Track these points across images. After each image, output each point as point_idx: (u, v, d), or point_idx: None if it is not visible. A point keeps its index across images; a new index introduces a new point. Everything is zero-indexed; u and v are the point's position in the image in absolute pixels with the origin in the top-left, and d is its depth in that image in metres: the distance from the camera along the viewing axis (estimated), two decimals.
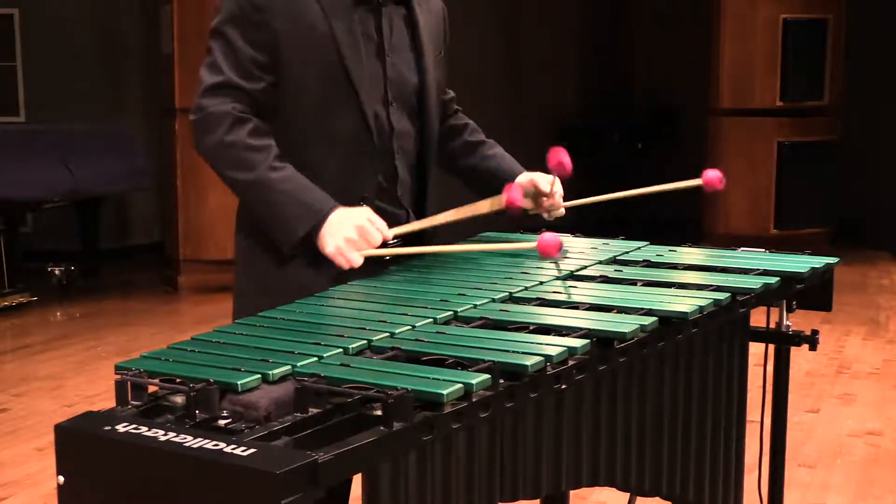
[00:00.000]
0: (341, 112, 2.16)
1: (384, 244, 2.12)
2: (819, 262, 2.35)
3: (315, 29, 2.13)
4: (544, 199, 2.39)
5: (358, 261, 2.07)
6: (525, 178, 2.42)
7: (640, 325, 1.81)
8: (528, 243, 2.25)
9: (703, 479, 2.17)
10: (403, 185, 2.27)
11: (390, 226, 2.16)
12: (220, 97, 2.12)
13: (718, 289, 2.07)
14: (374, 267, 2.15)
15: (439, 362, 1.62)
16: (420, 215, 2.30)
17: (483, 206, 2.30)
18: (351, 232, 2.06)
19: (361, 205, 2.16)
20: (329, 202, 2.10)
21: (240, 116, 2.11)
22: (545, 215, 2.44)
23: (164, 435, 1.36)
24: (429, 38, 2.29)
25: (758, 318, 2.31)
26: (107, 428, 1.40)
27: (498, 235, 2.56)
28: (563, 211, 2.44)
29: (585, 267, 2.24)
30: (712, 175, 2.54)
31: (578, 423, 1.79)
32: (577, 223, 2.65)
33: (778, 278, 2.19)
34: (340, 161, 2.17)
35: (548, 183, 2.38)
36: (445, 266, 2.23)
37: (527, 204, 2.39)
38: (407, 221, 2.26)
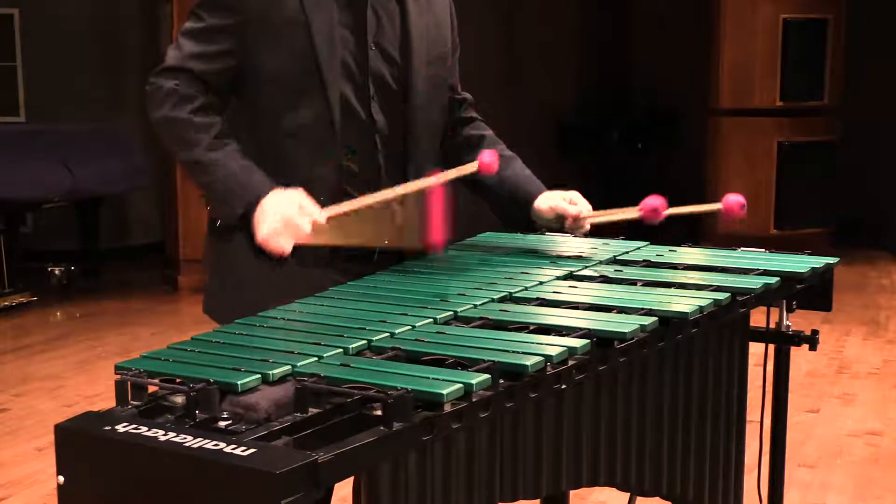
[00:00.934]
0: (307, 101, 2.15)
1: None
2: (819, 262, 2.35)
3: (290, 16, 2.13)
4: (570, 221, 2.35)
5: (287, 248, 2.06)
6: (545, 202, 2.36)
7: (640, 325, 1.81)
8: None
9: (703, 479, 2.17)
10: (389, 179, 2.23)
11: None
12: (170, 77, 2.17)
13: (718, 289, 2.07)
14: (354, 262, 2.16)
15: (439, 362, 1.62)
16: None
17: (448, 174, 2.19)
18: (276, 222, 2.05)
19: (323, 196, 2.12)
20: (261, 187, 2.09)
21: (185, 94, 2.14)
22: (570, 233, 2.40)
23: (164, 435, 1.36)
24: (422, 34, 2.25)
25: (758, 318, 2.31)
26: (107, 428, 1.40)
27: (498, 236, 2.56)
28: (587, 227, 2.38)
29: (585, 267, 2.24)
30: (733, 200, 2.40)
31: (578, 423, 1.79)
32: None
33: (778, 278, 2.19)
34: (304, 149, 2.17)
35: (569, 203, 2.34)
36: (445, 266, 2.23)
37: (549, 224, 2.37)
38: None
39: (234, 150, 2.13)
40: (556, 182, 2.47)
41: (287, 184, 2.10)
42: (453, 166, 2.25)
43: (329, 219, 2.09)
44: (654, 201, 2.32)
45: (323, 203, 2.10)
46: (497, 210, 2.44)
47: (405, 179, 2.23)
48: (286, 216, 2.05)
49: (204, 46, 2.16)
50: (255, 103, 2.18)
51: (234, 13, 2.13)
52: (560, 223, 2.37)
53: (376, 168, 2.23)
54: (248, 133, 2.18)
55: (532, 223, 2.42)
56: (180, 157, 2.17)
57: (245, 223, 2.10)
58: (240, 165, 2.12)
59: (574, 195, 2.37)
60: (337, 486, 1.55)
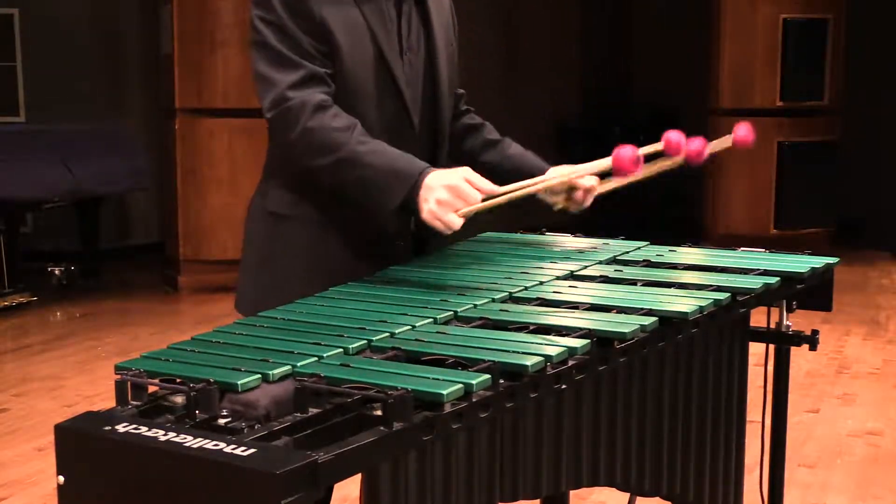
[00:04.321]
0: (388, 102, 2.16)
1: (490, 198, 2.04)
2: (819, 262, 2.35)
3: (354, 20, 2.12)
4: (578, 192, 2.31)
5: (455, 222, 1.99)
6: (556, 172, 2.32)
7: (640, 325, 1.80)
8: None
9: (703, 479, 2.17)
10: None
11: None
12: (305, 89, 2.08)
13: (718, 289, 2.07)
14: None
15: (439, 362, 1.62)
16: None
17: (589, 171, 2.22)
18: (442, 193, 1.98)
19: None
20: (420, 166, 2.03)
21: (320, 104, 2.07)
22: (572, 209, 2.35)
23: (164, 435, 1.36)
24: (441, 35, 2.28)
25: (758, 318, 2.31)
26: (107, 428, 1.40)
27: (498, 236, 2.56)
28: (589, 203, 2.34)
29: (585, 267, 2.24)
30: (743, 132, 2.38)
31: (578, 423, 1.79)
32: (577, 223, 2.64)
33: (778, 278, 2.19)
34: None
35: (584, 177, 2.31)
36: (445, 266, 2.23)
37: (555, 200, 2.33)
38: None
39: (381, 143, 2.08)
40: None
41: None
42: (451, 156, 2.29)
43: (497, 194, 2.04)
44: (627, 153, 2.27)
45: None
46: (500, 182, 2.42)
47: None
48: (455, 185, 1.98)
49: (304, 51, 2.08)
50: (342, 105, 2.12)
51: (310, 18, 2.09)
52: (569, 195, 2.31)
53: None
54: None
55: (536, 201, 2.37)
56: (323, 162, 2.07)
57: (405, 209, 2.04)
58: (395, 152, 2.06)
59: (576, 169, 2.32)
60: (337, 485, 1.55)
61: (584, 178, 2.28)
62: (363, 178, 2.05)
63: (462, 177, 2.00)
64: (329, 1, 2.11)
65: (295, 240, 2.20)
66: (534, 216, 2.45)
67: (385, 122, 2.16)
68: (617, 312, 1.89)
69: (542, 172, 2.31)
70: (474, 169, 2.14)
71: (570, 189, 2.30)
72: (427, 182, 2.00)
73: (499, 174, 2.38)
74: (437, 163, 2.27)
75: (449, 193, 1.98)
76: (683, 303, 1.95)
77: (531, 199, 2.28)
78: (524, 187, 2.12)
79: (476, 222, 2.36)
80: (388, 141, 2.12)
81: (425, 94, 2.25)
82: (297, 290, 2.05)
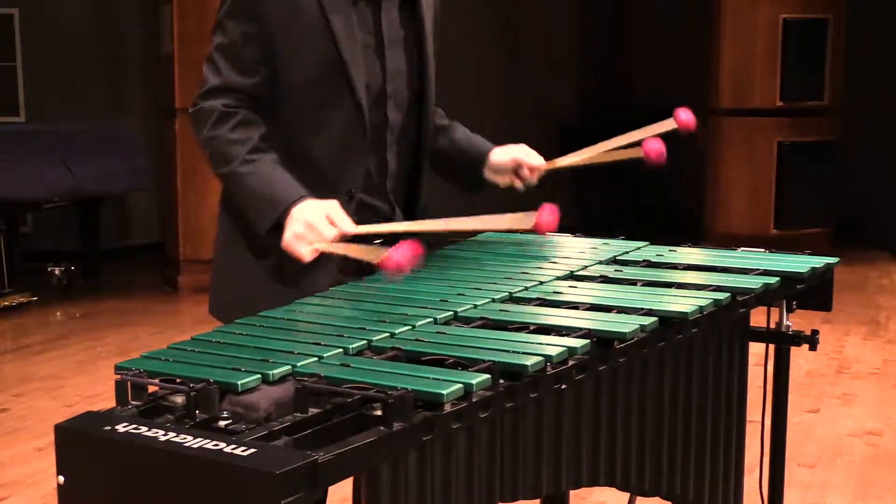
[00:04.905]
0: (336, 106, 2.16)
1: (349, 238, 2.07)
2: (819, 262, 2.35)
3: (311, 22, 2.13)
4: (524, 170, 2.38)
5: (306, 255, 2.04)
6: (503, 154, 2.40)
7: (640, 325, 1.81)
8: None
9: (703, 479, 2.17)
10: (394, 179, 2.28)
11: (372, 221, 2.15)
12: (214, 98, 2.17)
13: (718, 289, 2.07)
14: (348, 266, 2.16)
15: (439, 362, 1.62)
16: (409, 213, 2.31)
17: (500, 222, 2.22)
18: (299, 227, 2.04)
19: (347, 198, 2.16)
20: (293, 195, 2.08)
21: (225, 111, 2.14)
22: (518, 185, 2.41)
23: (164, 435, 1.36)
24: (430, 32, 2.29)
25: (758, 318, 2.31)
26: (107, 428, 1.40)
27: (500, 236, 2.56)
28: (535, 180, 2.42)
29: (585, 267, 2.24)
30: (685, 117, 2.48)
31: (578, 423, 1.79)
32: (578, 224, 2.64)
33: (778, 278, 2.19)
34: (332, 154, 2.18)
35: (530, 156, 2.38)
36: (445, 266, 2.23)
37: (499, 180, 2.39)
38: (392, 218, 2.26)
39: (271, 162, 2.13)
40: (555, 181, 2.47)
41: (316, 192, 2.10)
42: None
43: (355, 235, 2.07)
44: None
45: (346, 208, 2.11)
46: (449, 172, 2.46)
47: (413, 177, 2.30)
48: (310, 221, 2.03)
49: (236, 60, 2.16)
50: (284, 110, 2.18)
51: (258, 21, 2.13)
52: (515, 174, 2.39)
53: (385, 167, 2.26)
54: (277, 140, 2.17)
55: (482, 181, 2.44)
56: (219, 172, 2.16)
57: (277, 232, 2.08)
58: (274, 176, 2.11)
59: (527, 148, 2.40)
60: (338, 485, 1.55)
61: (528, 156, 2.37)
62: (242, 198, 2.15)
63: (325, 213, 2.05)
64: (285, 4, 2.13)
65: (243, 239, 2.23)
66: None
67: (333, 125, 2.17)
68: (617, 312, 1.89)
69: (487, 154, 2.40)
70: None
71: (517, 167, 2.38)
72: (293, 212, 2.06)
73: (447, 158, 2.44)
74: (420, 159, 2.30)
75: (304, 228, 2.03)
76: (683, 303, 1.95)
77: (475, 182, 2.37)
78: (378, 228, 2.13)
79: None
80: (337, 142, 2.16)
81: (404, 92, 2.25)
82: (255, 291, 2.14)
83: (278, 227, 2.07)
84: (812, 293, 2.37)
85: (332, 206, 2.07)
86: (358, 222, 2.09)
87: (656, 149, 2.38)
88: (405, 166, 2.30)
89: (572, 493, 2.63)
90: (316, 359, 1.62)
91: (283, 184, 2.11)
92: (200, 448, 1.32)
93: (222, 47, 2.18)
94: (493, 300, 1.96)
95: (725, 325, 2.13)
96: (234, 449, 1.31)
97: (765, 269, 2.23)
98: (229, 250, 2.28)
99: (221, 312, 2.25)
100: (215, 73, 2.19)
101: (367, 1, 2.19)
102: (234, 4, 2.15)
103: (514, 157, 2.39)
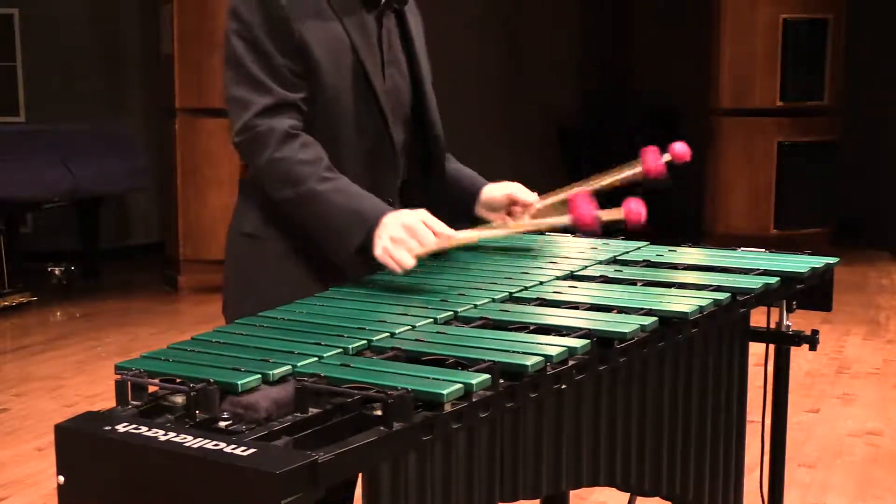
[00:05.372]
0: (368, 120, 2.13)
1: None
2: (819, 262, 2.35)
3: (336, 36, 2.09)
4: (517, 208, 2.33)
5: (407, 261, 1.97)
6: (496, 189, 2.34)
7: (640, 325, 1.81)
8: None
9: (703, 479, 2.17)
10: (409, 200, 2.22)
11: None
12: (275, 116, 2.06)
13: (718, 289, 2.07)
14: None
15: (439, 362, 1.62)
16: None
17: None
18: (398, 231, 1.97)
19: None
20: (381, 207, 2.02)
21: (289, 132, 2.05)
22: (510, 222, 2.34)
23: (164, 435, 1.36)
24: (420, 46, 2.27)
25: (758, 318, 2.31)
26: (107, 428, 1.40)
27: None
28: (527, 217, 2.34)
29: (585, 267, 2.24)
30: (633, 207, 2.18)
31: (578, 423, 1.79)
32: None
33: (778, 278, 2.19)
34: (363, 170, 2.13)
35: (525, 192, 2.33)
36: (445, 266, 2.23)
37: (492, 216, 2.34)
38: None
39: (347, 181, 2.06)
40: (556, 183, 2.47)
41: None
42: None
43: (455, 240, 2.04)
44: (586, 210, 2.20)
45: None
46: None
47: (429, 195, 2.24)
48: (409, 225, 1.97)
49: (277, 75, 2.05)
50: (320, 124, 2.10)
51: (290, 35, 2.05)
52: (507, 211, 2.34)
53: (395, 186, 2.23)
54: None
55: (472, 215, 2.38)
56: (287, 194, 2.05)
57: (363, 251, 2.00)
58: (357, 192, 2.04)
59: (519, 185, 2.35)
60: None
61: (521, 193, 2.32)
62: (323, 216, 2.04)
63: (420, 219, 1.99)
64: (309, 16, 2.08)
65: (273, 258, 2.16)
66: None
67: (364, 137, 2.13)
68: (617, 312, 1.89)
69: (478, 190, 2.34)
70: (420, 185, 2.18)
71: (511, 203, 2.34)
72: (385, 220, 1.99)
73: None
74: (429, 177, 2.26)
75: (404, 232, 1.97)
76: (683, 303, 1.95)
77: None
78: (479, 233, 2.15)
79: (476, 222, 2.36)
80: (367, 157, 2.10)
81: (402, 110, 2.22)
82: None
83: (364, 244, 2.00)
84: (812, 293, 2.37)
85: (425, 214, 2.01)
86: None
87: (636, 210, 2.17)
88: (418, 186, 2.26)
89: (572, 493, 2.63)
90: (316, 359, 1.62)
91: (369, 199, 2.04)
92: (200, 448, 1.32)
93: (262, 66, 2.06)
94: (493, 300, 1.96)
95: (725, 325, 2.13)
96: (234, 449, 1.31)
97: (765, 269, 2.23)
98: (249, 271, 2.20)
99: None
100: (263, 91, 2.06)
101: (374, 14, 2.17)
102: (263, 19, 2.05)
103: (507, 194, 2.33)
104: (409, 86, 2.24)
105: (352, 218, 2.02)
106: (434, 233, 1.99)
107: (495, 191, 2.35)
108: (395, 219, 1.99)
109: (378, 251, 1.99)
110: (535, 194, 2.35)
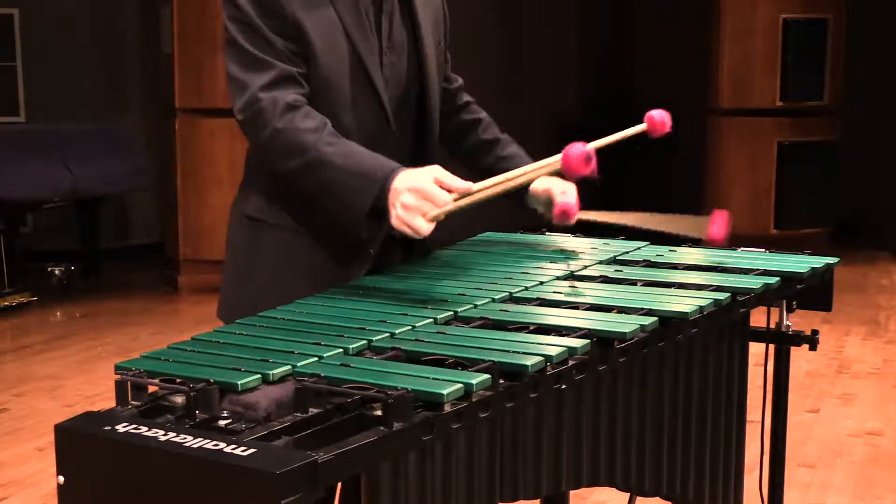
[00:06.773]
0: (363, 101, 2.11)
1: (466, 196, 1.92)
2: (819, 262, 2.35)
3: (329, 18, 2.08)
4: (556, 208, 2.24)
5: (424, 228, 1.88)
6: (543, 184, 2.27)
7: (640, 325, 1.81)
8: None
9: (703, 479, 2.17)
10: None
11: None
12: (277, 89, 2.02)
13: (718, 289, 2.07)
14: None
15: (439, 362, 1.62)
16: None
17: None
18: (408, 197, 1.88)
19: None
20: (390, 166, 1.94)
21: (291, 104, 2.00)
22: (555, 221, 2.28)
23: (164, 435, 1.36)
24: (428, 33, 2.23)
25: (758, 318, 2.31)
26: (107, 428, 1.40)
27: (500, 236, 2.56)
28: (573, 221, 2.28)
29: (585, 267, 2.24)
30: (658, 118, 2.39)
31: (578, 423, 1.79)
32: (578, 223, 2.64)
33: (778, 278, 2.19)
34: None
35: (561, 193, 2.25)
36: (446, 266, 2.23)
37: (539, 208, 2.29)
38: None
39: (352, 143, 2.01)
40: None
41: None
42: (450, 152, 2.27)
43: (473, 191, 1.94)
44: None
45: None
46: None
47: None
48: (420, 188, 1.88)
49: (273, 49, 2.02)
50: (318, 107, 2.07)
51: (282, 17, 2.04)
52: (548, 210, 2.26)
53: None
54: None
55: (522, 205, 2.31)
56: (292, 165, 2.01)
57: (376, 214, 1.94)
58: (362, 151, 1.98)
59: (569, 187, 2.26)
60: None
61: (563, 194, 2.23)
62: (331, 181, 1.98)
63: (432, 177, 1.91)
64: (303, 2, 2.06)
65: (273, 246, 2.15)
66: (532, 217, 2.42)
67: (361, 123, 2.11)
68: (617, 312, 1.89)
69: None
70: (474, 171, 2.09)
71: (551, 203, 2.25)
72: (395, 185, 1.91)
73: (492, 174, 2.34)
74: (424, 164, 2.24)
75: (415, 197, 1.88)
76: (683, 303, 1.95)
77: (521, 203, 2.25)
78: (499, 183, 2.02)
79: (476, 222, 2.36)
80: (365, 143, 2.05)
81: (409, 95, 2.20)
82: (277, 297, 1.99)
83: (377, 210, 1.94)
84: (812, 293, 2.37)
85: (438, 170, 1.93)
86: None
87: (659, 119, 2.30)
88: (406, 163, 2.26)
89: (572, 493, 2.63)
90: (316, 359, 1.62)
91: (375, 158, 1.96)
92: (200, 448, 1.32)
93: (259, 45, 2.03)
94: (493, 300, 1.96)
95: (725, 325, 2.13)
96: (234, 449, 1.31)
97: (765, 269, 2.23)
98: (249, 254, 2.18)
99: (232, 312, 2.19)
100: (263, 67, 2.03)
101: (371, 3, 2.16)
102: (247, 4, 2.04)
103: (549, 192, 2.25)
104: (414, 73, 2.20)
105: (359, 180, 1.95)
106: (449, 189, 1.91)
107: (540, 185, 2.26)
108: (404, 182, 1.91)
109: (394, 220, 1.92)
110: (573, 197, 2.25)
